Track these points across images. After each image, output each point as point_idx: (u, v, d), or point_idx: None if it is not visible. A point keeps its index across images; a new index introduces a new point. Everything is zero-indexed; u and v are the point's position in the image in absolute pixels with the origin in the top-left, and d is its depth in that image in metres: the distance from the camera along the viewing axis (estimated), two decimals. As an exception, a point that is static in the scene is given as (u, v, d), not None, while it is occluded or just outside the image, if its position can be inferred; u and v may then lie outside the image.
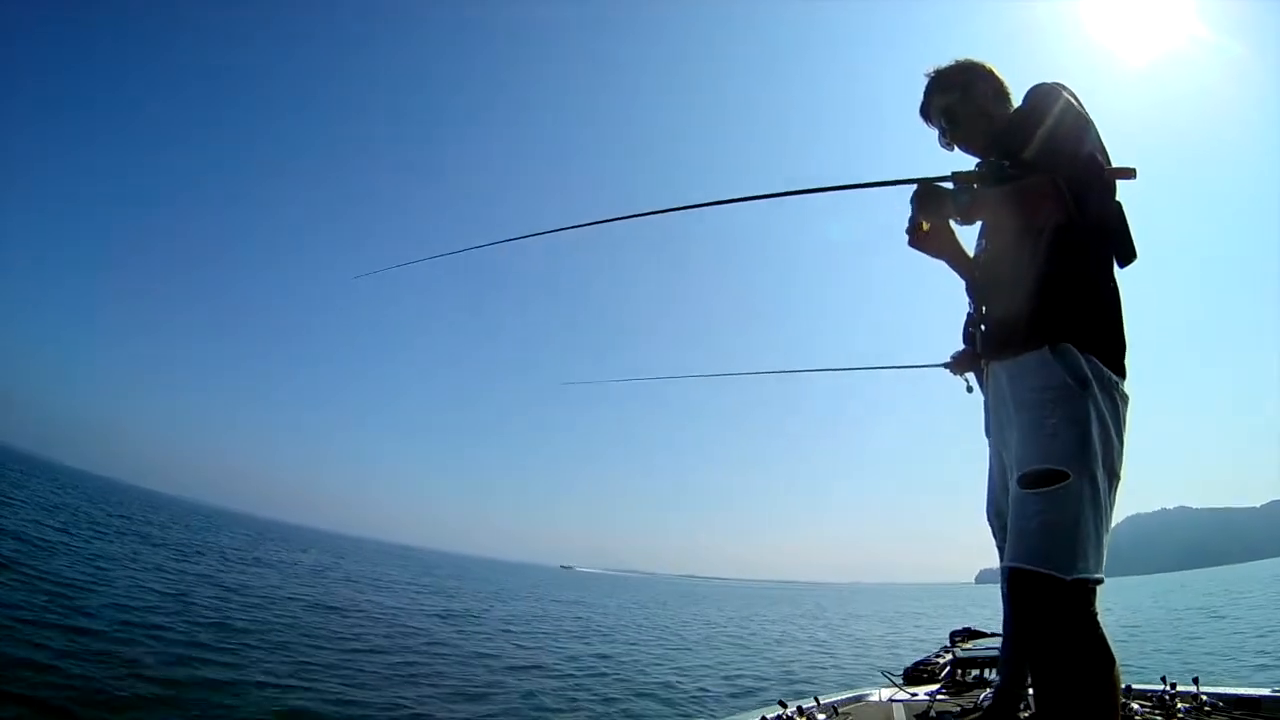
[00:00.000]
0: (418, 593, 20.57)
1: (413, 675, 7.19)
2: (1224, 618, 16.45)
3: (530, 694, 6.99)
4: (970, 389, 2.08)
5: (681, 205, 1.70)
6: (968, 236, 1.83)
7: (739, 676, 9.53)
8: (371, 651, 8.12)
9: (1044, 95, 1.53)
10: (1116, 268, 1.53)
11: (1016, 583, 1.36)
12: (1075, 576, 1.29)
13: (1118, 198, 1.49)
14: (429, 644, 9.62)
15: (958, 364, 2.12)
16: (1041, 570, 1.30)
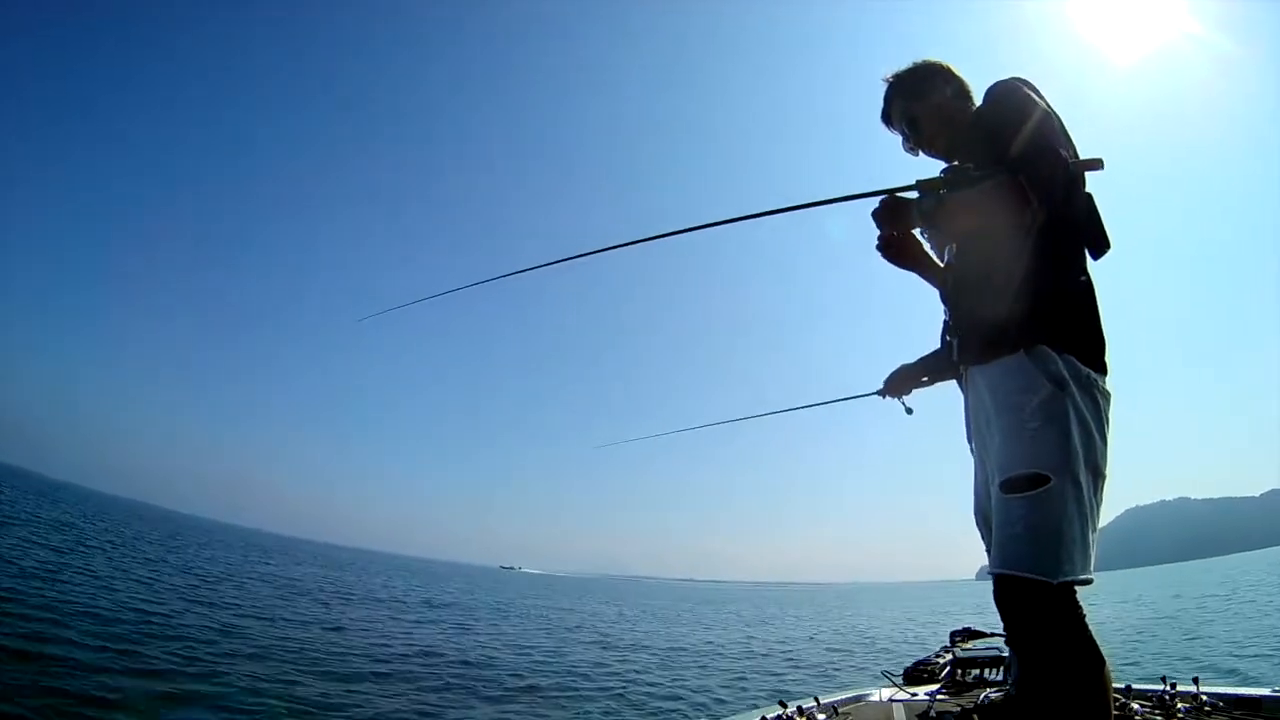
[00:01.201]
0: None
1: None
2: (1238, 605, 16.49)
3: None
4: (909, 411, 2.09)
5: (656, 235, 1.66)
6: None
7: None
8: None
9: (1004, 93, 1.51)
10: (1091, 260, 1.50)
11: (1003, 589, 1.35)
12: (1062, 580, 1.28)
13: (1087, 189, 1.47)
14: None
15: (890, 389, 2.11)
16: (1028, 576, 1.30)
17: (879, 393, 2.14)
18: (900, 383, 2.08)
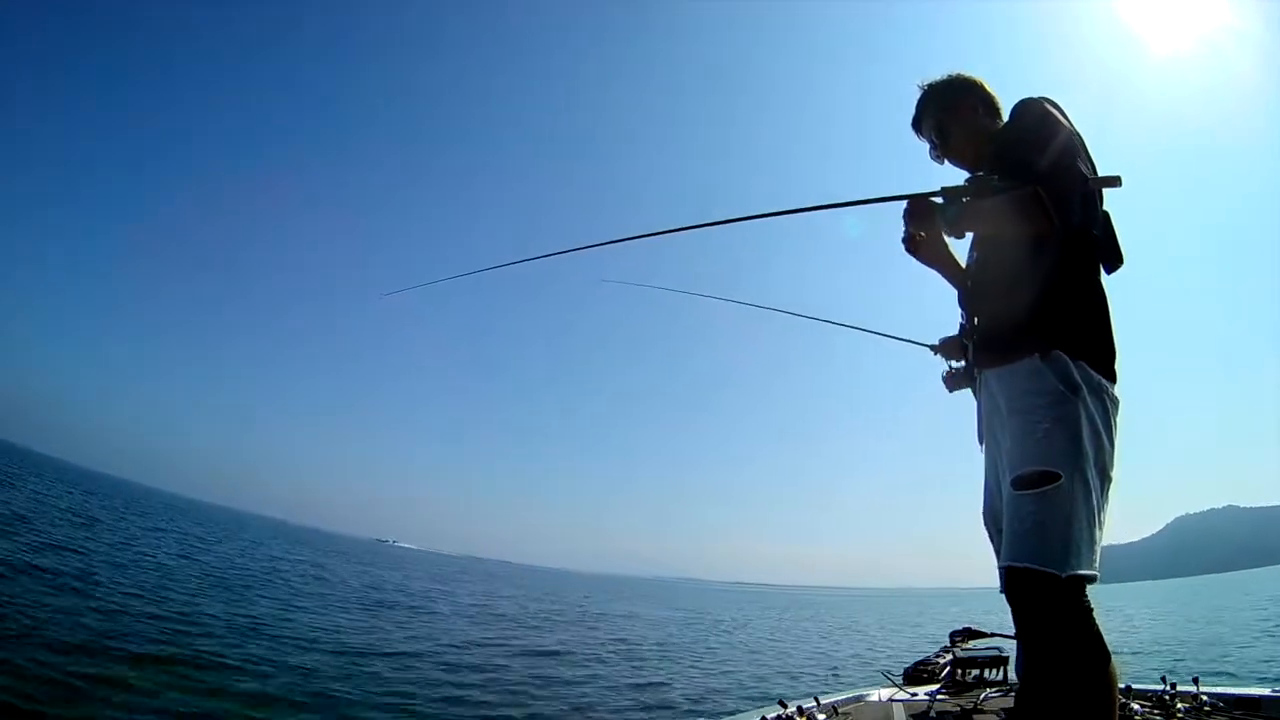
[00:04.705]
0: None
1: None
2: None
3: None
4: (953, 372, 2.04)
5: (678, 227, 1.78)
6: (960, 248, 1.88)
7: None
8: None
9: (1030, 111, 1.59)
10: (1105, 274, 1.57)
11: (1013, 581, 1.39)
12: (1070, 573, 1.32)
13: (1105, 206, 1.54)
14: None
15: (943, 349, 2.09)
16: (1037, 568, 1.34)
17: (931, 347, 2.16)
18: (956, 347, 2.06)
